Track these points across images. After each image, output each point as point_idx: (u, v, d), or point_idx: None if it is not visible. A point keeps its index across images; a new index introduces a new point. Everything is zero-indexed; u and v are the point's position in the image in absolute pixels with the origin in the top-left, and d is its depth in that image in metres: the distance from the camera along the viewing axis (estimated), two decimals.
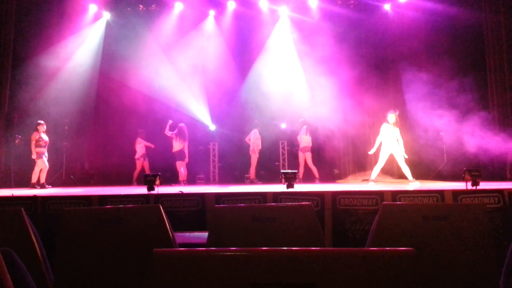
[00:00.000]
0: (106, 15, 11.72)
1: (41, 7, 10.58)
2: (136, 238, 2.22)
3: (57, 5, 10.90)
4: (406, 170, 7.98)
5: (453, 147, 9.17)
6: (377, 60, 10.88)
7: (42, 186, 8.52)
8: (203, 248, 1.06)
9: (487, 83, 9.72)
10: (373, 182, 8.12)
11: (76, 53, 10.98)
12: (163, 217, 2.24)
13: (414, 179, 7.95)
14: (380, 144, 8.16)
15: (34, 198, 5.19)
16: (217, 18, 12.20)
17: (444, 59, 10.29)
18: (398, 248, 1.00)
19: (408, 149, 8.67)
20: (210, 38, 12.09)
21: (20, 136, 9.54)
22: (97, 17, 11.62)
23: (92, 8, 11.42)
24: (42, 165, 8.60)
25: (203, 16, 12.16)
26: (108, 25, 11.77)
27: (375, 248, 1.04)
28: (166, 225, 2.22)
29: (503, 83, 9.39)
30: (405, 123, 8.72)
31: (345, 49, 10.70)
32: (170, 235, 2.21)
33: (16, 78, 9.65)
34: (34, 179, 8.53)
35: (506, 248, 2.01)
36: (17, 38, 9.68)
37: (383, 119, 8.30)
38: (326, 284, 0.98)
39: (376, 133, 8.34)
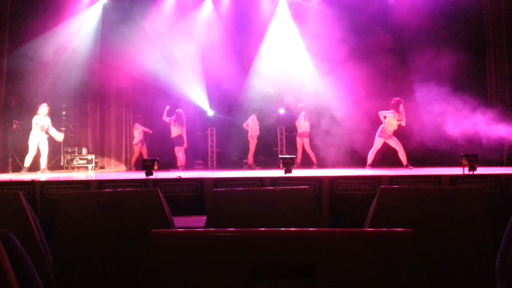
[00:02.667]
0: None
1: None
2: (135, 221, 2.22)
3: None
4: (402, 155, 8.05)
5: (451, 132, 9.18)
6: (376, 45, 10.80)
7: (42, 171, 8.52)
8: (201, 229, 1.06)
9: (486, 68, 9.69)
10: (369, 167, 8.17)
11: (73, 38, 10.86)
12: (161, 200, 2.24)
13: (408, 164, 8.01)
14: (379, 129, 8.19)
15: (33, 183, 5.20)
16: (215, 2, 12.06)
17: (443, 44, 10.23)
18: (396, 229, 1.00)
19: (406, 135, 8.69)
20: (209, 23, 11.97)
21: (17, 121, 9.48)
22: (93, 0, 11.48)
23: None
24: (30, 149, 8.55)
25: (201, 0, 12.02)
26: (105, 9, 11.62)
27: (374, 229, 1.04)
28: (164, 208, 2.22)
29: (502, 69, 9.37)
30: (404, 108, 8.70)
31: (345, 34, 10.60)
32: (169, 218, 2.22)
33: (13, 63, 9.56)
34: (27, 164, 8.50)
35: (501, 231, 2.02)
36: (13, 23, 9.57)
37: (382, 104, 8.28)
38: (325, 265, 0.98)
39: (377, 119, 8.34)
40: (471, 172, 5.15)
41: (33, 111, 8.96)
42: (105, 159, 11.56)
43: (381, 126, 8.21)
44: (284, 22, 11.79)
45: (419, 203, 2.14)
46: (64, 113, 10.69)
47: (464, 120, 8.80)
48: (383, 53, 10.95)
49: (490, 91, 9.54)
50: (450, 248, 2.11)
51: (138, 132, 10.62)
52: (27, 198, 4.98)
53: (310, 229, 1.04)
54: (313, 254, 0.99)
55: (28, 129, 8.78)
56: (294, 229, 1.03)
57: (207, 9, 12.07)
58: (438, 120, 9.75)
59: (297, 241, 1.01)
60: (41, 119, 8.66)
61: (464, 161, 5.27)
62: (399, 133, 8.47)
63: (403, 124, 8.13)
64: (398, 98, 8.18)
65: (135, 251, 2.11)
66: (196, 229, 1.06)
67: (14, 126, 9.33)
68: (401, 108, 8.07)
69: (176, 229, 1.17)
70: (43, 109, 8.73)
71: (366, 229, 1.05)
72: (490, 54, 9.58)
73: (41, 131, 8.63)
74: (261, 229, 1.05)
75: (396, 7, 10.78)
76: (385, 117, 8.17)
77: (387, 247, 1.00)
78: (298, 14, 11.68)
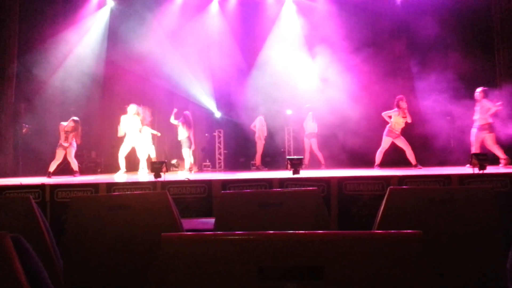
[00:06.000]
0: (110, 3, 11.67)
1: None
2: (144, 224, 2.23)
3: None
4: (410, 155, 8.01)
5: (460, 132, 9.11)
6: (384, 44, 10.76)
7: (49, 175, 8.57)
8: (211, 232, 1.07)
9: (495, 66, 9.60)
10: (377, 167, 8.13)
11: (81, 42, 10.97)
12: (170, 203, 2.25)
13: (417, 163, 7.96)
14: (386, 128, 8.16)
15: (42, 186, 5.24)
16: (222, 3, 12.10)
17: (452, 42, 10.17)
18: (405, 231, 1.00)
19: (414, 134, 8.64)
20: (215, 24, 12.01)
21: (27, 125, 9.58)
22: (100, 5, 11.59)
23: None
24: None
25: (208, 1, 12.06)
26: (112, 13, 11.72)
27: (383, 231, 1.04)
28: (173, 211, 2.23)
29: (511, 66, 9.28)
30: (412, 107, 8.66)
31: (352, 33, 10.58)
32: (177, 220, 2.23)
33: (22, 68, 9.67)
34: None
35: None
36: (22, 28, 9.67)
37: (390, 103, 8.24)
38: (335, 267, 0.98)
39: (383, 119, 8.30)
40: (481, 172, 5.11)
41: (43, 115, 9.03)
42: (114, 161, 11.62)
43: (388, 125, 8.17)
44: (291, 22, 11.79)
45: (428, 203, 2.13)
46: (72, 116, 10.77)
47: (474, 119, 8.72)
48: (390, 52, 10.90)
49: (499, 90, 9.44)
50: (461, 249, 2.09)
51: (146, 134, 10.65)
52: (37, 202, 5.03)
53: (319, 231, 1.04)
54: (321, 256, 0.99)
55: (37, 132, 8.85)
56: (302, 231, 1.03)
57: (213, 11, 12.11)
58: (447, 118, 9.68)
59: (306, 243, 1.01)
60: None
61: (474, 160, 5.23)
62: (407, 132, 8.42)
63: (409, 120, 8.08)
64: (399, 96, 8.19)
65: (144, 253, 2.12)
66: (205, 232, 1.06)
67: (24, 130, 9.42)
68: (403, 105, 8.05)
69: (185, 233, 1.18)
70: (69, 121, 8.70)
71: (374, 231, 1.04)
72: (500, 51, 9.49)
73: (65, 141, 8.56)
74: (270, 231, 1.05)
75: (404, 6, 10.74)
76: (389, 117, 8.15)
77: (395, 249, 0.99)
78: (305, 14, 11.67)
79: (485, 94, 7.75)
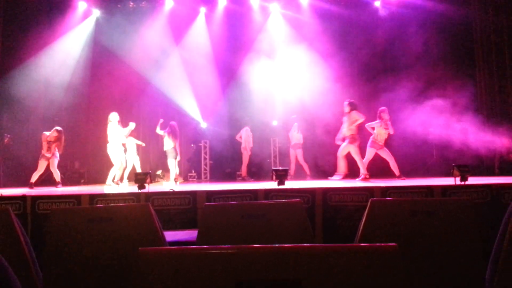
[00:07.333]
0: (96, 12, 11.64)
1: (29, 5, 10.47)
2: (125, 237, 2.21)
3: (46, 2, 10.82)
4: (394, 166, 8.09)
5: (443, 143, 9.26)
6: (367, 57, 10.92)
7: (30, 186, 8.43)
8: (189, 247, 1.07)
9: (476, 80, 9.82)
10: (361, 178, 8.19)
11: (66, 51, 10.89)
12: (152, 215, 2.23)
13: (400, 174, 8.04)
14: (370, 139, 8.24)
15: (24, 197, 5.15)
16: (208, 16, 12.17)
17: (434, 56, 10.38)
18: (381, 244, 1.01)
19: (397, 145, 8.74)
20: (201, 34, 12.06)
21: (9, 135, 9.43)
22: (86, 14, 11.54)
23: (82, 6, 11.33)
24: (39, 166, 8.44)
25: (194, 14, 12.12)
26: (98, 23, 11.69)
27: (360, 244, 1.05)
28: (155, 223, 2.22)
29: (491, 81, 9.50)
30: (395, 119, 8.78)
31: (336, 46, 10.72)
32: (159, 233, 2.21)
33: (5, 77, 9.54)
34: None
35: (493, 242, 2.04)
36: (5, 36, 9.57)
37: (373, 115, 8.35)
38: (312, 280, 0.99)
39: (367, 131, 8.38)
40: (463, 182, 5.19)
41: (26, 126, 8.92)
42: (98, 172, 11.49)
43: (371, 136, 8.27)
44: (276, 34, 11.90)
45: (409, 215, 2.16)
46: (56, 126, 10.64)
47: (456, 131, 8.89)
48: (374, 66, 11.07)
49: (481, 103, 9.65)
50: (440, 261, 2.11)
51: (130, 145, 10.57)
52: (18, 213, 4.94)
53: (297, 245, 1.04)
54: (299, 269, 1.00)
55: (19, 143, 8.71)
56: (280, 245, 1.04)
57: (200, 22, 12.16)
58: (430, 130, 9.82)
59: (284, 257, 1.02)
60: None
61: (456, 172, 5.31)
62: (391, 144, 8.52)
63: (391, 132, 8.18)
64: (382, 108, 8.33)
65: (125, 267, 2.10)
66: (183, 247, 1.06)
67: (6, 140, 9.27)
68: (385, 116, 8.17)
69: (163, 247, 1.18)
70: (52, 131, 8.57)
71: (351, 244, 1.06)
72: (480, 66, 9.72)
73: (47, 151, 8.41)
74: (250, 245, 1.05)
75: (386, 21, 10.94)
76: (372, 128, 8.25)
77: (372, 261, 1.01)
78: (290, 27, 11.80)
79: (352, 106, 8.05)
